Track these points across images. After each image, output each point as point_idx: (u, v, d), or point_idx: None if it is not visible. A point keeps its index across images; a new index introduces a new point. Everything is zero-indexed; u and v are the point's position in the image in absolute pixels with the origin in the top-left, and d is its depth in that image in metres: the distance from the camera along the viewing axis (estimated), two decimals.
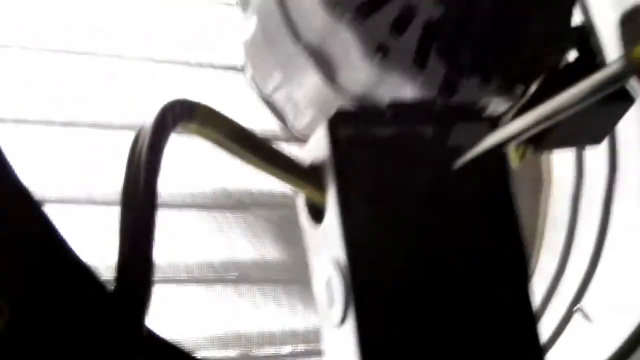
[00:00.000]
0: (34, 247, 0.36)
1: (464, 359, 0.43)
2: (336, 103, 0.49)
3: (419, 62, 0.46)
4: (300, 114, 0.52)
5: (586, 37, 0.49)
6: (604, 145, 0.73)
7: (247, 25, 0.53)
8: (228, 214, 0.74)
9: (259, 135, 0.44)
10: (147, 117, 0.39)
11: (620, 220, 0.75)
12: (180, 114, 0.40)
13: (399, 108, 0.44)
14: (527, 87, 0.49)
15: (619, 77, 0.36)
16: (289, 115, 0.53)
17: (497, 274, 0.45)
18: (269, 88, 0.53)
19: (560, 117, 0.39)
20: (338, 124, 0.43)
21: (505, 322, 0.45)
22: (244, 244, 0.74)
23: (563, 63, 0.50)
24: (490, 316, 0.44)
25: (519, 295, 0.46)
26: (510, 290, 0.45)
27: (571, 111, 0.38)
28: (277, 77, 0.51)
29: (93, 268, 0.37)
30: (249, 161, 0.43)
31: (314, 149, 0.44)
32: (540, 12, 0.50)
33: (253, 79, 0.54)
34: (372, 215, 0.42)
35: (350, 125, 0.43)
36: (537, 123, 0.39)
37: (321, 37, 0.47)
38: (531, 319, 0.45)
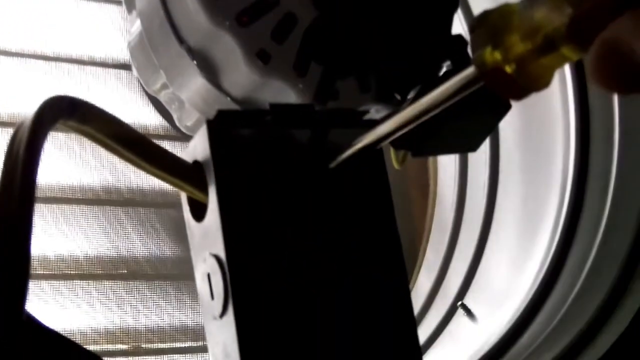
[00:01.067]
0: None
1: (342, 355, 0.44)
2: (219, 104, 0.50)
3: (300, 68, 0.48)
4: (187, 112, 0.53)
5: (463, 47, 0.51)
6: (485, 148, 0.76)
7: (131, 26, 0.54)
8: (119, 210, 0.75)
9: (141, 134, 0.45)
10: (27, 113, 0.40)
11: (501, 222, 0.78)
12: (60, 111, 0.40)
13: (278, 111, 0.46)
14: (405, 95, 0.50)
15: (470, 83, 0.37)
16: (175, 114, 0.54)
17: (376, 272, 0.47)
18: (154, 88, 0.54)
19: (422, 119, 0.40)
20: (218, 124, 0.44)
21: (384, 320, 0.46)
22: (134, 240, 0.75)
23: (440, 72, 0.52)
24: (369, 314, 0.45)
25: (397, 292, 0.47)
26: (389, 287, 0.47)
27: (432, 114, 0.40)
28: (162, 78, 0.52)
29: None
30: (131, 161, 0.44)
31: (196, 148, 0.45)
32: (416, 20, 0.52)
33: (139, 78, 0.55)
34: (250, 214, 0.44)
35: (231, 127, 0.44)
36: (403, 125, 0.41)
37: (204, 41, 0.48)
38: (410, 315, 0.46)
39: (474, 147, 0.53)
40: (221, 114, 0.44)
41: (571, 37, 0.34)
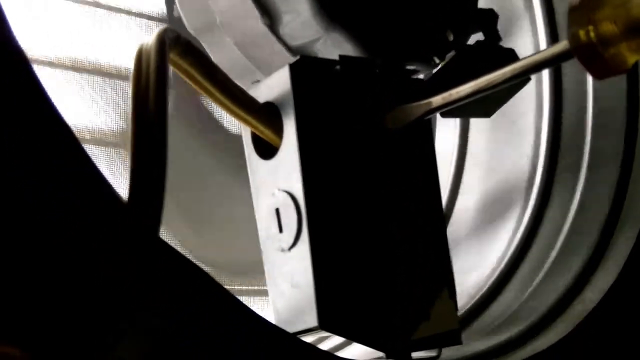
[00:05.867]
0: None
1: (397, 274, 0.49)
2: (269, 50, 0.53)
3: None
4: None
5: (493, 20, 0.56)
6: None
7: None
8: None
9: (225, 73, 0.47)
10: (142, 42, 0.41)
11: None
12: (169, 41, 0.42)
13: (347, 63, 0.49)
14: (442, 59, 0.55)
15: (561, 56, 0.42)
16: (214, 55, 0.56)
17: (422, 209, 0.52)
18: (197, 27, 0.55)
19: (504, 86, 0.45)
20: (300, 68, 0.47)
21: (426, 251, 0.51)
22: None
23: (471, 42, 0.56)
24: (417, 243, 0.51)
25: (437, 229, 0.52)
26: (429, 226, 0.52)
27: (515, 80, 0.45)
28: (208, 18, 0.54)
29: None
30: (215, 98, 0.46)
31: (270, 89, 0.48)
32: None
33: (182, 16, 0.56)
34: (324, 153, 0.47)
35: (310, 72, 0.47)
36: (482, 89, 0.45)
37: None
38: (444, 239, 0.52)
39: (490, 114, 0.57)
40: (303, 59, 0.48)
41: None
